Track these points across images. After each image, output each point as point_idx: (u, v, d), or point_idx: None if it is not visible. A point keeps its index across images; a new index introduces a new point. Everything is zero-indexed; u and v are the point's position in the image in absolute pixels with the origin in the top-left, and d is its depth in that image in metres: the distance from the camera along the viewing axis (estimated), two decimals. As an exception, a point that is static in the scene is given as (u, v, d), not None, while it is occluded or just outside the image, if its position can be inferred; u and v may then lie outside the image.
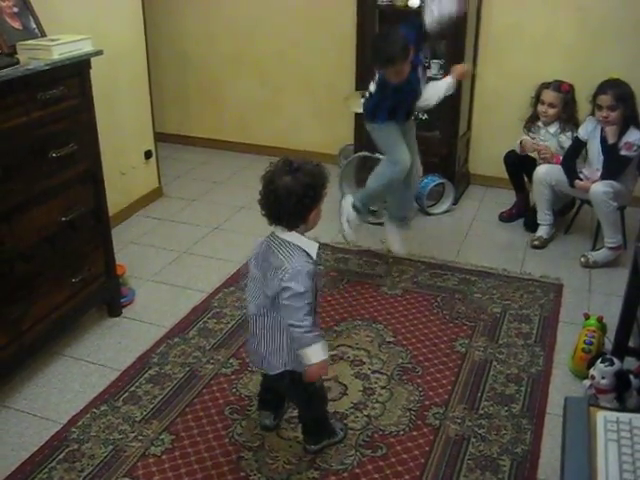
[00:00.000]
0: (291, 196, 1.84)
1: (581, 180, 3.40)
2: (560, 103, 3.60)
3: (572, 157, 3.49)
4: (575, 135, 3.51)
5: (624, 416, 1.31)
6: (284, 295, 1.88)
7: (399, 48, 2.85)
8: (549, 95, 3.61)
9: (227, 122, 5.05)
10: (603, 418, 1.31)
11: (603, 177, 3.30)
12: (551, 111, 3.61)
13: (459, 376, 2.55)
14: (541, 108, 3.64)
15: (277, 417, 2.29)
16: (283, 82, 4.76)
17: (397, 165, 3.09)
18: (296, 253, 1.92)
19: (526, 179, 3.87)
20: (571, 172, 3.44)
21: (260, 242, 2.03)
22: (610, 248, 3.37)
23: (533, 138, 3.72)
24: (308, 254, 1.94)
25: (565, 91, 3.59)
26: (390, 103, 3.06)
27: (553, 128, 3.66)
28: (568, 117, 3.62)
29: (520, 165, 3.80)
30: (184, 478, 2.09)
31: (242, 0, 4.63)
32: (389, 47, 2.86)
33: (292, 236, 1.94)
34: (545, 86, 3.63)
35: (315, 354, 1.92)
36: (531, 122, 3.74)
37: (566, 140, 3.60)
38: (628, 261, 2.57)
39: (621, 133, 3.27)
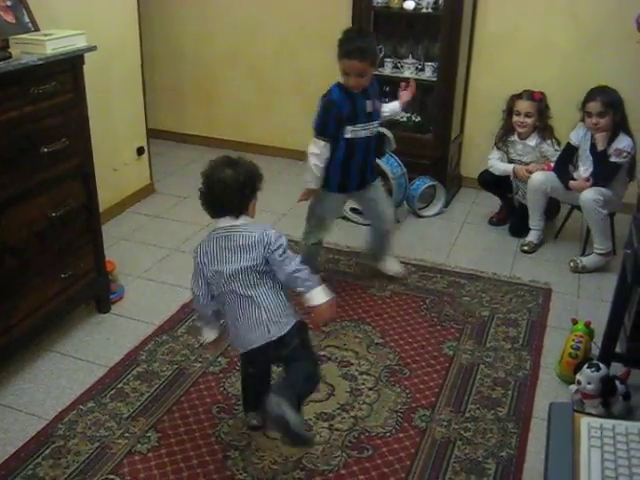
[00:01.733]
0: (235, 184, 2.01)
1: (575, 180, 3.42)
2: (535, 112, 3.58)
3: (564, 162, 3.50)
4: (567, 141, 3.51)
5: (607, 422, 1.32)
6: (278, 253, 1.99)
7: (373, 47, 2.73)
8: (524, 104, 3.58)
9: (221, 120, 5.04)
10: (587, 424, 1.32)
11: (593, 184, 3.32)
12: (529, 120, 3.58)
13: (446, 379, 2.56)
14: (517, 119, 3.61)
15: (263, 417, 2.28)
16: (277, 81, 4.76)
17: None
18: (256, 224, 2.05)
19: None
20: (564, 176, 3.45)
21: (204, 250, 2.08)
22: (600, 254, 3.38)
23: (507, 153, 3.72)
24: None
25: (538, 99, 3.58)
26: (342, 153, 2.82)
27: (532, 141, 3.64)
28: (544, 125, 3.62)
29: (496, 182, 3.82)
30: (170, 476, 2.09)
31: (238, -2, 4.64)
32: (364, 41, 2.69)
33: (242, 219, 2.05)
34: (517, 97, 3.62)
35: (322, 293, 2.04)
36: (504, 136, 3.72)
37: (548, 148, 3.61)
38: (617, 267, 2.57)
39: (611, 140, 3.29)
